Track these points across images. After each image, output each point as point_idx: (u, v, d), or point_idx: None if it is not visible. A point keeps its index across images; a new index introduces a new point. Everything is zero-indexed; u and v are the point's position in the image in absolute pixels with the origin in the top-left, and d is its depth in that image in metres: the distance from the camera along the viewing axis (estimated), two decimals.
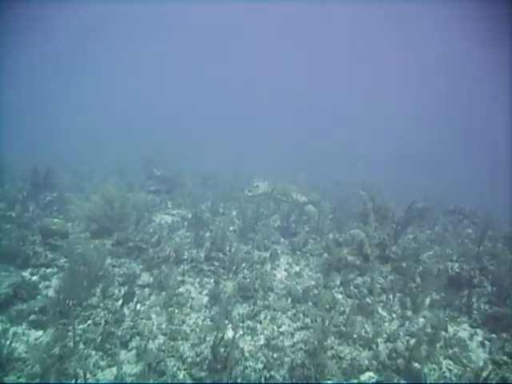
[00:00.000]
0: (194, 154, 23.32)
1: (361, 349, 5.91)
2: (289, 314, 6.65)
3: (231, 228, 10.05)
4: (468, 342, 6.16)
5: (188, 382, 5.10)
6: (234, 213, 11.80)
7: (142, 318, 6.24)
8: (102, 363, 5.31)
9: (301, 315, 6.60)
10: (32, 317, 5.91)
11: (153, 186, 13.88)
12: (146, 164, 16.40)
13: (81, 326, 5.88)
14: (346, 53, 57.42)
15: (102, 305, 6.47)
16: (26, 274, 7.05)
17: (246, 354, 5.63)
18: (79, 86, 57.97)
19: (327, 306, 6.81)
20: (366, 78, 60.28)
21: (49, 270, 7.26)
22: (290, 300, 7.01)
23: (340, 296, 7.29)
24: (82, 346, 5.49)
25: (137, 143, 25.65)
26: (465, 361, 5.73)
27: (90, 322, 6.04)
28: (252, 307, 6.69)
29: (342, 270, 7.96)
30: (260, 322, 6.38)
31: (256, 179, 10.24)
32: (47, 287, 6.77)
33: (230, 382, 5.08)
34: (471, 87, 51.94)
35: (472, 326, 6.60)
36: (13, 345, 5.28)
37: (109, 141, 27.59)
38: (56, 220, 8.07)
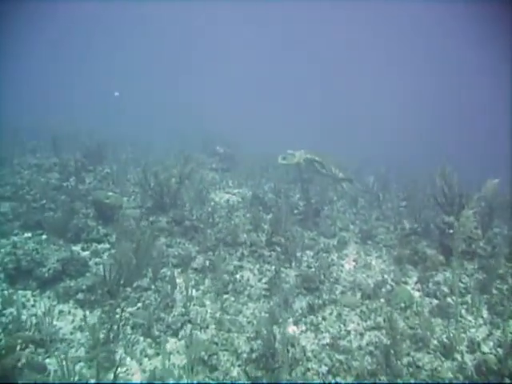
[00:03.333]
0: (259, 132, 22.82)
1: (442, 358, 5.02)
2: (358, 310, 5.87)
3: (295, 211, 9.28)
4: None
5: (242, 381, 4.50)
6: (299, 195, 11.02)
7: (194, 305, 5.74)
8: (150, 351, 4.83)
9: (372, 313, 5.79)
10: (79, 295, 5.54)
11: (214, 163, 13.66)
12: (206, 140, 16.06)
13: (129, 309, 5.44)
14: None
15: (153, 287, 6.01)
16: (77, 248, 6.74)
17: (309, 354, 4.94)
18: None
19: (402, 305, 5.95)
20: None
21: (100, 246, 6.93)
22: (359, 295, 6.23)
23: (417, 294, 6.39)
24: (129, 331, 5.05)
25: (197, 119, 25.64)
26: None
27: (139, 305, 5.59)
28: (316, 300, 5.96)
29: (420, 264, 7.02)
30: (325, 319, 5.65)
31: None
32: (97, 264, 6.42)
33: None
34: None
35: None
36: (58, 324, 4.95)
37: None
38: (110, 193, 7.71)
